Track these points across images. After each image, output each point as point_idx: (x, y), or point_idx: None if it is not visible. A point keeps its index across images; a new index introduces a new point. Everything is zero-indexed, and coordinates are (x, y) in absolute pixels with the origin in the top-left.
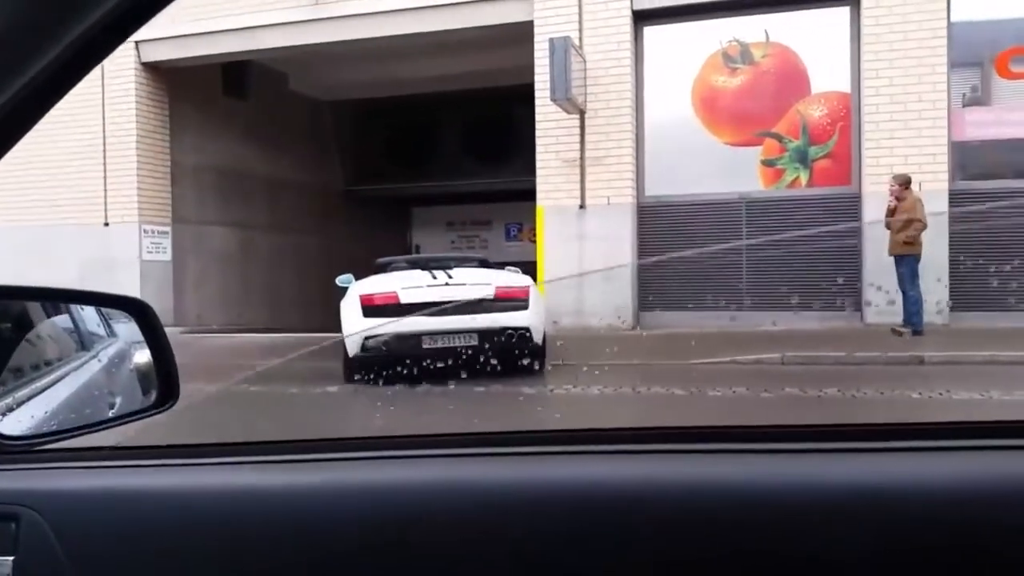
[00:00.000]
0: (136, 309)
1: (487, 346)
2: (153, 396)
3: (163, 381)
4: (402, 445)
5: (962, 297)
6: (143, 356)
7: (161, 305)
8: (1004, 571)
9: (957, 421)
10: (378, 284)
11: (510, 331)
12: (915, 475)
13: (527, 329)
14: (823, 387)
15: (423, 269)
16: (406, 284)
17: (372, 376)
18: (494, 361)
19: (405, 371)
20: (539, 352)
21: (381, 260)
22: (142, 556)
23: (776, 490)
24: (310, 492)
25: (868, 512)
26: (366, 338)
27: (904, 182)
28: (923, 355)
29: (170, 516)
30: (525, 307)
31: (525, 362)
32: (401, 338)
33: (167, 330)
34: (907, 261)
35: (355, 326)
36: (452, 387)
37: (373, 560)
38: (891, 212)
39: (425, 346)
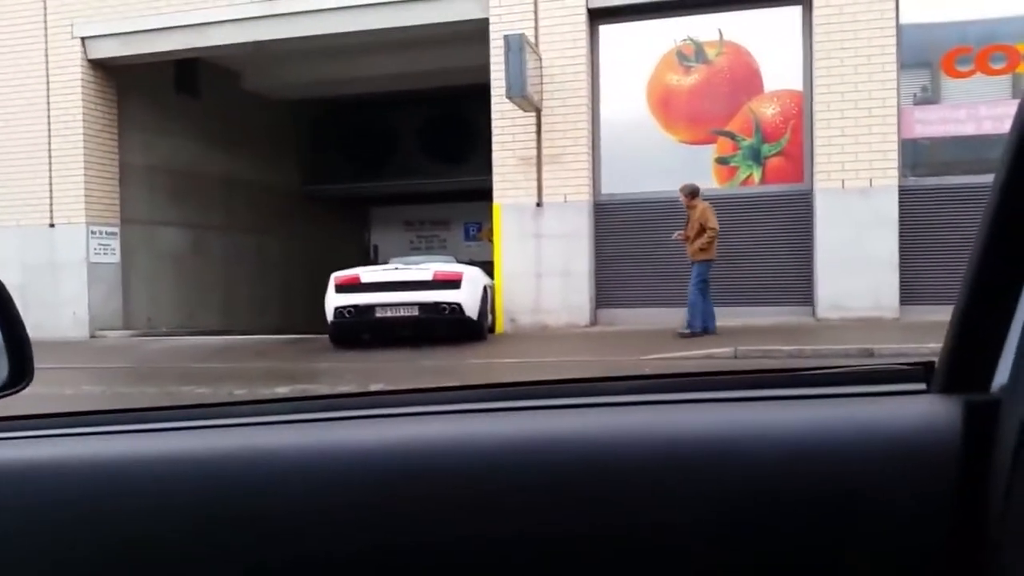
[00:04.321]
0: None
1: (426, 316)
2: (4, 376)
3: (15, 359)
4: (365, 404)
5: (911, 290)
6: None
7: (110, 308)
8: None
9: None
10: (349, 270)
11: (443, 305)
12: (763, 423)
13: (459, 304)
14: None
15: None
16: (368, 269)
17: (349, 339)
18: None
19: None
20: (473, 325)
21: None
22: (19, 531)
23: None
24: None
25: (716, 462)
26: (336, 308)
27: (689, 193)
28: (873, 347)
29: (44, 488)
30: (458, 287)
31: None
32: (360, 308)
33: (115, 334)
34: (699, 267)
35: (330, 300)
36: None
37: (352, 524)
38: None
39: (378, 315)
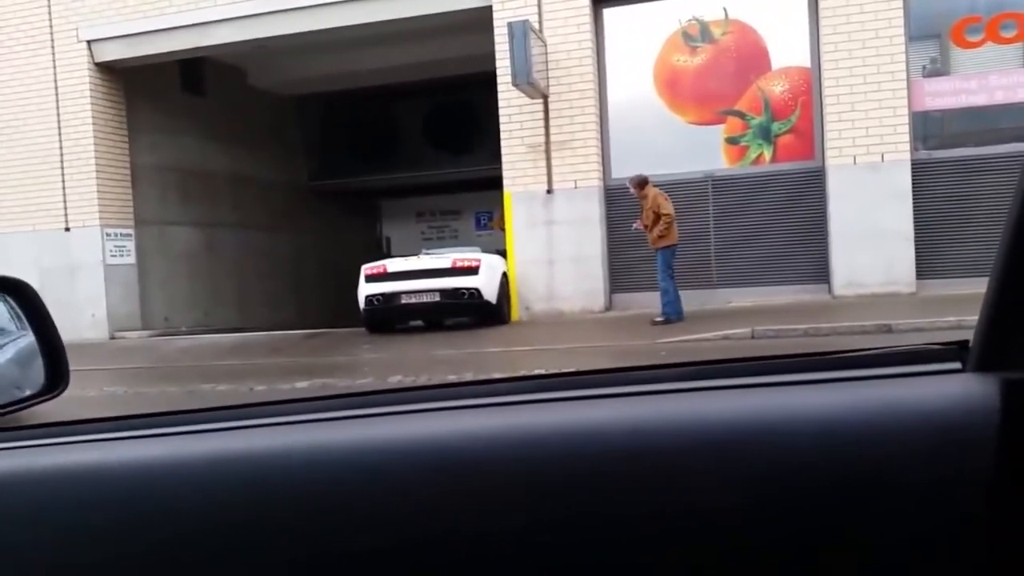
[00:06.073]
0: (13, 289)
1: (447, 301)
2: (42, 382)
3: (51, 365)
4: (365, 403)
5: (927, 264)
6: (24, 340)
7: (128, 309)
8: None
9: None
10: (378, 262)
11: (463, 290)
12: (790, 408)
13: (477, 289)
14: None
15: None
16: (394, 260)
17: (382, 325)
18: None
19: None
20: (492, 309)
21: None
22: (64, 535)
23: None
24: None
25: (747, 449)
26: (366, 296)
27: (638, 183)
28: (891, 323)
29: (67, 494)
30: (476, 273)
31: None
32: (387, 296)
33: (134, 334)
34: (663, 253)
35: (362, 290)
36: None
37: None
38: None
39: (403, 301)
